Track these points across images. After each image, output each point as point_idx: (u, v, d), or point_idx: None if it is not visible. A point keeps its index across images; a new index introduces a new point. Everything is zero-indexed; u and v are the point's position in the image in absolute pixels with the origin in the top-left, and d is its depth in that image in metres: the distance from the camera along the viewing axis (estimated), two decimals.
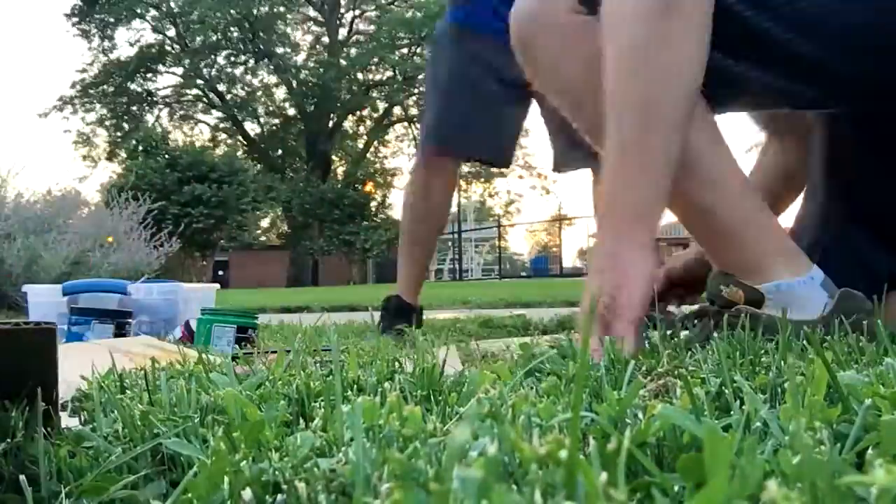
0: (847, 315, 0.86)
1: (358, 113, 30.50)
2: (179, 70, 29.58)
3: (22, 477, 0.44)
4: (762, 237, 1.01)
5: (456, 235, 23.33)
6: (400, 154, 31.84)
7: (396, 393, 0.51)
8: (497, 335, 2.11)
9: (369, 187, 29.15)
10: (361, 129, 31.66)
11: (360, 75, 29.48)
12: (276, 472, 0.42)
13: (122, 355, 1.18)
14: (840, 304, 0.93)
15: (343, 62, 28.87)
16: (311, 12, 30.35)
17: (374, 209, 27.89)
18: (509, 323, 2.48)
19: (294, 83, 29.43)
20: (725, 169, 1.03)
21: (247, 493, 0.38)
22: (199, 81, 29.46)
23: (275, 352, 0.95)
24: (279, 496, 0.39)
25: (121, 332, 2.03)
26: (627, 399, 0.48)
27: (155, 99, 29.87)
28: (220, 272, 24.47)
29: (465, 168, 30.51)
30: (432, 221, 2.40)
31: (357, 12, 29.78)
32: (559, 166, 2.46)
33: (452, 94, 2.32)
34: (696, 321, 1.03)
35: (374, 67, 29.52)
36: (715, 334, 0.83)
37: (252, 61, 29.91)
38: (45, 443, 0.50)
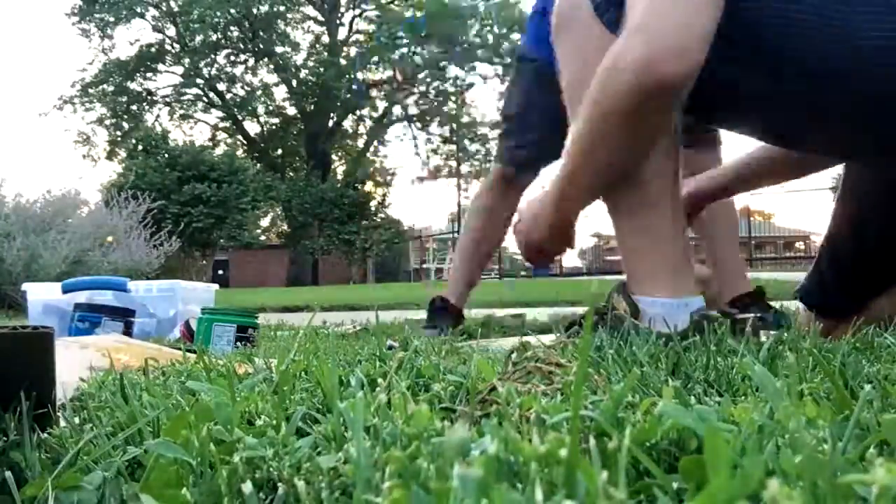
0: (700, 332, 0.98)
1: (358, 112, 30.49)
2: (179, 69, 29.56)
3: (8, 474, 0.44)
4: (655, 262, 1.14)
5: (456, 235, 23.33)
6: (400, 153, 31.86)
7: (401, 392, 0.51)
8: (496, 335, 2.12)
9: (369, 187, 29.16)
10: (361, 128, 31.66)
11: (360, 75, 29.48)
12: (274, 470, 0.41)
13: (93, 351, 1.18)
14: (694, 324, 1.05)
15: (343, 62, 28.85)
16: (311, 11, 30.33)
17: (373, 209, 27.88)
18: (509, 323, 2.48)
19: (294, 83, 29.41)
20: (651, 196, 1.16)
21: (247, 487, 0.38)
22: (199, 81, 29.43)
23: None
24: (278, 492, 0.39)
25: (128, 330, 2.04)
26: (620, 394, 0.48)
27: (155, 98, 29.84)
28: (220, 271, 24.47)
29: (464, 168, 30.49)
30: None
31: (357, 12, 29.77)
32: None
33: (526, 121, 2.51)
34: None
35: (374, 67, 29.52)
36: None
37: (252, 61, 29.90)
38: (46, 437, 0.50)
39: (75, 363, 1.04)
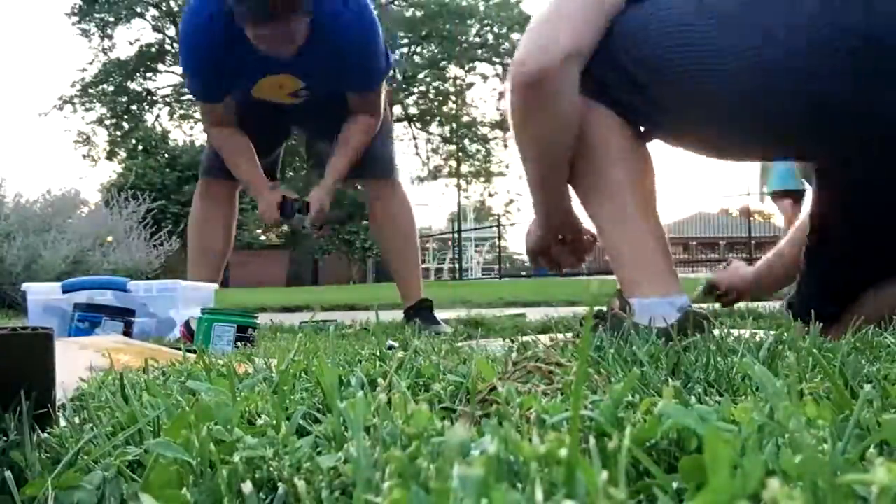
0: (684, 328, 1.09)
1: None
2: (179, 69, 29.52)
3: (8, 474, 0.44)
4: (641, 265, 1.26)
5: (456, 235, 23.35)
6: (400, 154, 31.83)
7: (401, 392, 0.51)
8: (495, 335, 2.11)
9: None
10: None
11: None
12: (274, 470, 0.41)
13: (93, 352, 1.18)
14: (682, 320, 1.16)
15: None
16: None
17: None
18: (508, 324, 2.48)
19: None
20: (628, 209, 1.27)
21: (247, 487, 0.38)
22: None
23: None
24: (278, 492, 0.39)
25: (128, 330, 2.04)
26: (620, 394, 0.48)
27: (155, 98, 29.80)
28: None
29: (464, 168, 30.44)
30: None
31: None
32: None
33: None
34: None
35: None
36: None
37: None
38: (46, 437, 0.50)
39: (75, 364, 1.04)
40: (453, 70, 29.19)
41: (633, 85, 1.24)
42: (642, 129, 1.30)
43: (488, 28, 28.79)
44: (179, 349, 1.42)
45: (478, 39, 28.84)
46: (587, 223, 1.45)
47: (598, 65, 1.24)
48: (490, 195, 31.69)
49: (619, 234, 1.28)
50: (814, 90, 1.15)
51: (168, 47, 29.31)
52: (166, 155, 24.13)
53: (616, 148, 1.27)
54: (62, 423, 0.62)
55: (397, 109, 29.74)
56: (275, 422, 0.50)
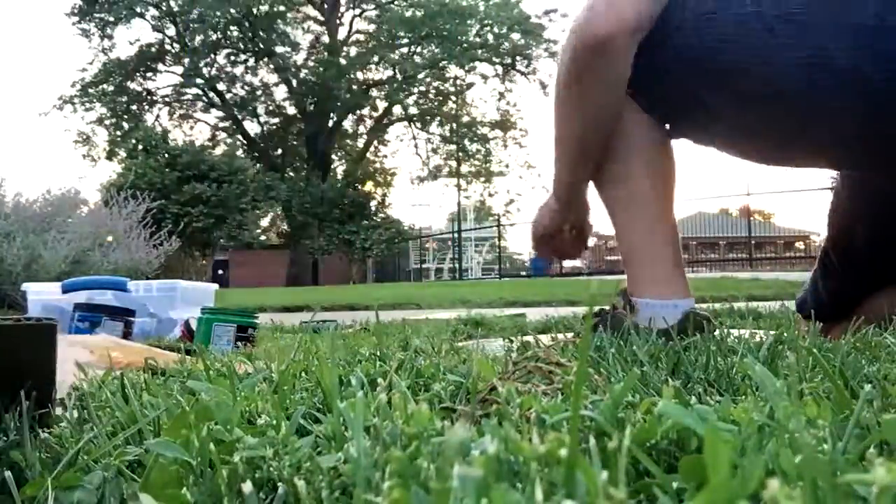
0: (684, 328, 1.11)
1: (358, 112, 30.47)
2: (179, 69, 29.53)
3: (8, 474, 0.44)
4: (650, 266, 1.25)
5: (456, 235, 23.38)
6: (400, 153, 31.90)
7: (401, 391, 0.51)
8: (495, 335, 2.11)
9: (369, 186, 29.19)
10: (361, 128, 31.65)
11: (360, 75, 29.48)
12: (274, 470, 0.41)
13: (81, 348, 1.18)
14: (682, 321, 1.17)
15: (343, 62, 28.83)
16: (311, 11, 30.28)
17: (374, 208, 27.90)
18: (508, 324, 2.48)
19: (294, 82, 29.40)
20: (647, 209, 1.25)
21: (247, 487, 0.38)
22: (199, 80, 29.42)
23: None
24: (278, 492, 0.39)
25: (128, 330, 2.04)
26: (620, 394, 0.48)
27: (155, 98, 29.82)
28: (220, 271, 24.48)
29: (464, 168, 30.42)
30: None
31: (357, 11, 29.74)
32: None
33: None
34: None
35: (373, 67, 29.49)
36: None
37: (252, 60, 29.87)
38: (46, 437, 0.50)
39: (63, 359, 1.03)
40: (453, 70, 29.18)
41: (671, 77, 1.18)
42: (667, 126, 1.26)
43: (488, 28, 28.77)
44: (179, 349, 1.41)
45: (478, 39, 28.82)
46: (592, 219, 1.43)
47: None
48: (490, 195, 31.68)
49: (634, 233, 1.26)
50: (878, 96, 1.06)
51: (168, 47, 29.35)
52: (166, 155, 24.13)
53: (641, 143, 1.24)
54: (58, 411, 0.62)
55: (397, 109, 29.80)
56: (275, 422, 0.50)
